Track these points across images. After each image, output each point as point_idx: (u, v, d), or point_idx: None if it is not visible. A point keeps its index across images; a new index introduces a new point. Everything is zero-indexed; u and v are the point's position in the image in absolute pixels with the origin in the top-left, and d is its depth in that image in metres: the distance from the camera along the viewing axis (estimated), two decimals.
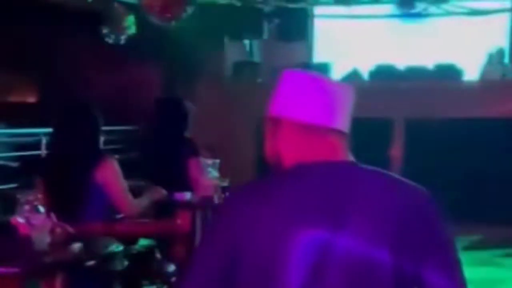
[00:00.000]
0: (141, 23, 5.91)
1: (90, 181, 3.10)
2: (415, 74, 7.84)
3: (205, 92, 7.58)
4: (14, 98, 8.76)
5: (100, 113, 3.32)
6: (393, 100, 7.21)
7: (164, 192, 3.57)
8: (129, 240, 3.41)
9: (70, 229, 2.68)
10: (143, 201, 3.41)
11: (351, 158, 1.45)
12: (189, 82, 7.63)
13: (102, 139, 3.28)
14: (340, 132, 1.44)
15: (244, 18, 7.61)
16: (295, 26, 8.33)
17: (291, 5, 7.76)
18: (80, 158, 3.16)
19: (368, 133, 6.08)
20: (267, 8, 7.78)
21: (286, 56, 8.05)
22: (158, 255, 3.59)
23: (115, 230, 3.17)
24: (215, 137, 7.02)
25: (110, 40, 5.28)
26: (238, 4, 7.37)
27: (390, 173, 1.43)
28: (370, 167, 1.42)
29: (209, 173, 3.88)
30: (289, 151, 1.45)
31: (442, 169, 6.93)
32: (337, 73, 7.81)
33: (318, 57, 9.06)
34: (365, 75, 8.07)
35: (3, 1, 6.31)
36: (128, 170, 3.41)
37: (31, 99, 9.13)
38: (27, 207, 2.51)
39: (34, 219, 2.47)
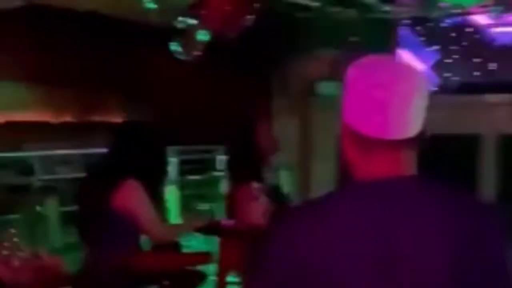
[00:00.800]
0: (217, 38, 5.84)
1: (107, 206, 2.80)
2: (505, 86, 7.42)
3: (285, 108, 7.48)
4: (98, 118, 8.92)
5: (158, 134, 3.07)
6: (483, 114, 6.82)
7: (205, 220, 3.29)
8: (153, 276, 2.98)
9: (63, 268, 2.28)
10: (180, 228, 3.17)
11: (414, 170, 1.31)
12: (269, 98, 7.55)
13: (171, 161, 3.03)
14: (406, 141, 1.28)
15: (326, 31, 7.49)
16: (378, 38, 8.11)
17: (373, 16, 7.56)
18: (98, 182, 2.90)
19: (456, 151, 5.79)
20: (349, 20, 7.61)
21: None
22: None
23: (135, 264, 2.79)
24: (295, 154, 6.88)
25: (181, 57, 5.17)
26: (319, 16, 7.25)
27: (457, 189, 1.31)
28: (435, 183, 1.31)
29: (259, 199, 3.62)
30: (353, 162, 1.34)
31: None
32: None
33: None
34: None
35: (86, 21, 6.46)
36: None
37: (116, 119, 9.31)
38: (6, 244, 2.13)
39: (15, 260, 2.08)
